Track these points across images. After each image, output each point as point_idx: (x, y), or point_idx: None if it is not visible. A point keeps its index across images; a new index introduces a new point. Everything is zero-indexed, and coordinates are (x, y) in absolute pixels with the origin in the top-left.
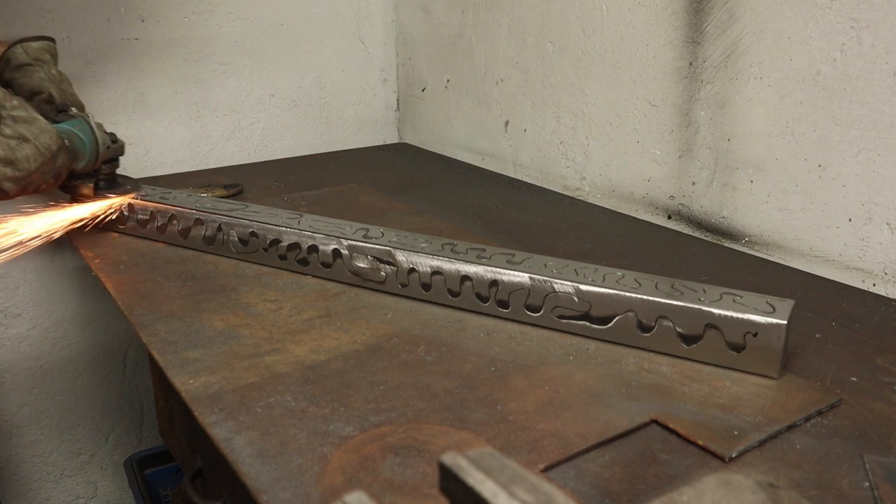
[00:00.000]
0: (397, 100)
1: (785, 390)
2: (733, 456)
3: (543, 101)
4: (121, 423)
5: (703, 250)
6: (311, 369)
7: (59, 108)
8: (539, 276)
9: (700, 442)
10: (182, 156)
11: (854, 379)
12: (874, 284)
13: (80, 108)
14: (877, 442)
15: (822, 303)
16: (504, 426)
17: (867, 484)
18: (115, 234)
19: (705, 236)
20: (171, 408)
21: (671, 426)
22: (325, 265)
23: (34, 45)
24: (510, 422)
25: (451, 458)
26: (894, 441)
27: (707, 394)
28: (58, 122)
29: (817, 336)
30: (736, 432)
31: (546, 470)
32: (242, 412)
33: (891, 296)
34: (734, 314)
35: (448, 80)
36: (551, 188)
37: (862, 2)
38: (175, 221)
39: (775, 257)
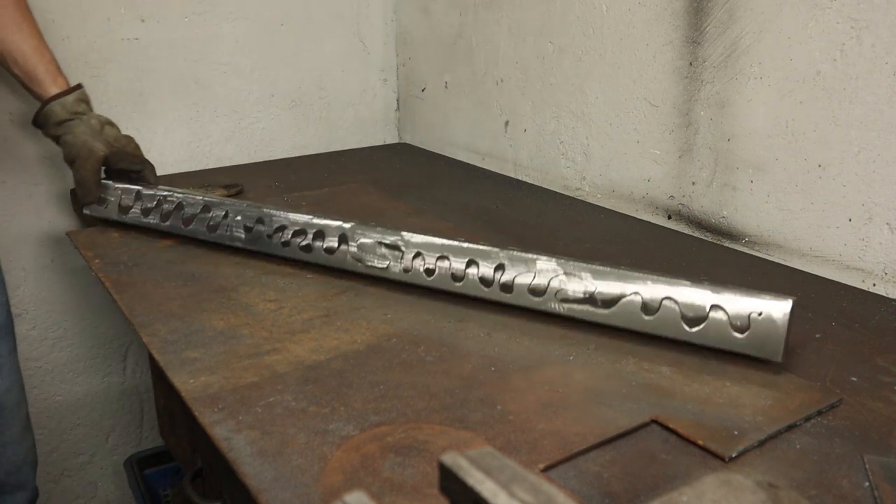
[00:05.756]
0: (397, 100)
1: (785, 390)
2: (733, 456)
3: (543, 101)
4: (121, 423)
5: (703, 250)
6: (311, 369)
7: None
8: (545, 257)
9: (700, 442)
10: (182, 156)
11: (854, 379)
12: (874, 284)
13: (129, 144)
14: (877, 442)
15: (822, 303)
16: (504, 426)
17: (867, 484)
18: (116, 234)
19: (705, 236)
20: (171, 408)
21: (671, 426)
22: (329, 251)
23: (70, 98)
24: (510, 422)
25: (451, 458)
26: (894, 441)
27: (707, 394)
28: None
29: (817, 336)
30: (736, 432)
31: (546, 470)
32: (242, 412)
33: (891, 296)
34: (740, 295)
35: (448, 81)
36: (551, 188)
37: (862, 2)
38: (182, 208)
39: (775, 257)
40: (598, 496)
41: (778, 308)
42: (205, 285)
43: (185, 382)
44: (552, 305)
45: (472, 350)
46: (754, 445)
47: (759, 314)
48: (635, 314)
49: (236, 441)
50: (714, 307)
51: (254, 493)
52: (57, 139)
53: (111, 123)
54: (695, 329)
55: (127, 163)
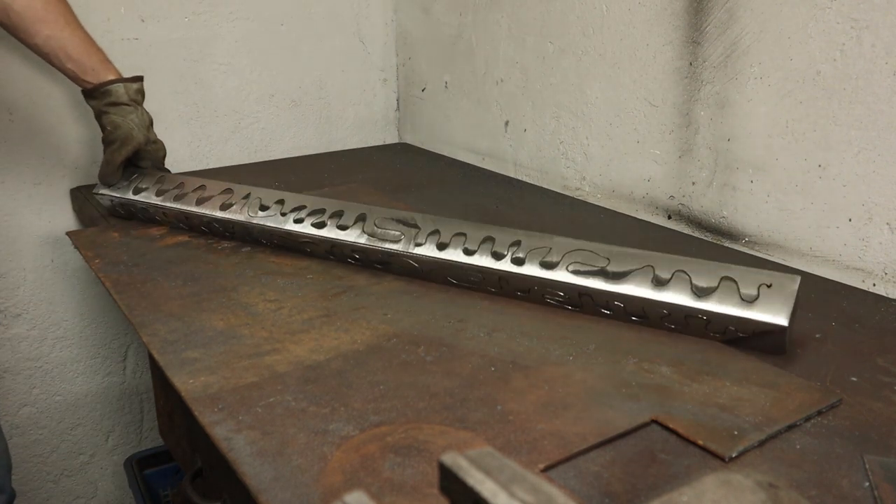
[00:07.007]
0: (397, 100)
1: (785, 390)
2: (733, 456)
3: (543, 101)
4: (121, 423)
5: (703, 250)
6: (311, 369)
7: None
8: (564, 238)
9: (700, 442)
10: (182, 156)
11: (854, 379)
12: (874, 284)
13: (160, 150)
14: (877, 442)
15: (822, 303)
16: (504, 426)
17: (867, 484)
18: (116, 234)
19: (705, 236)
20: (171, 408)
21: (671, 426)
22: (342, 227)
23: (134, 86)
24: (510, 422)
25: (451, 458)
26: (894, 441)
27: (707, 394)
28: None
29: (817, 336)
30: (736, 432)
31: (546, 470)
32: (242, 412)
33: (891, 296)
34: (750, 268)
35: (448, 81)
36: (551, 188)
37: (862, 2)
38: (202, 189)
39: (775, 257)
40: (598, 496)
41: (788, 279)
42: (205, 285)
43: (185, 382)
44: (562, 277)
45: (472, 350)
46: (754, 445)
47: (769, 286)
48: (645, 287)
49: (236, 441)
50: (725, 279)
51: (254, 493)
52: (102, 115)
53: (152, 123)
54: (703, 299)
55: (148, 163)
